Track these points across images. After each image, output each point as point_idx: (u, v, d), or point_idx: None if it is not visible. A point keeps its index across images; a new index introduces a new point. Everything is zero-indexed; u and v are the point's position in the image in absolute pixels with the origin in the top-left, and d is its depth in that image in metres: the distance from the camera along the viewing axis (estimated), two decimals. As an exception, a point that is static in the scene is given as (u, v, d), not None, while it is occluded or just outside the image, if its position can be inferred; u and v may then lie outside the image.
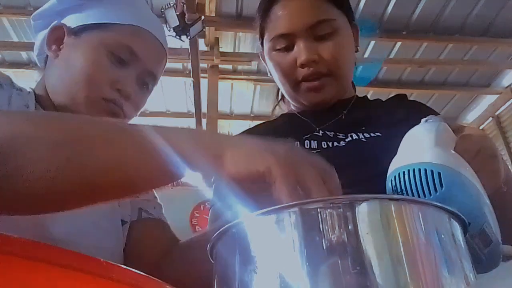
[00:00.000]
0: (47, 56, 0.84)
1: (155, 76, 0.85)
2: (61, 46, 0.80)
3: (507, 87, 4.25)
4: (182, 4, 2.93)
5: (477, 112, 4.60)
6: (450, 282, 0.34)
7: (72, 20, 0.81)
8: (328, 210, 0.35)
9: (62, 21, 0.82)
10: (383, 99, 0.96)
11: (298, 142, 0.80)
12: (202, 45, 3.59)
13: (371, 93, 3.99)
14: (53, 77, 0.80)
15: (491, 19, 3.49)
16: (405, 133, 0.55)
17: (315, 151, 0.78)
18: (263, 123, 0.98)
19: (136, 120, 0.87)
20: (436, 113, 0.87)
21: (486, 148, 0.52)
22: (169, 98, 4.28)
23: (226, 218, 0.76)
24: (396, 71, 4.05)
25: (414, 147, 0.51)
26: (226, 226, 0.39)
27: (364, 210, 0.35)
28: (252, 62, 3.76)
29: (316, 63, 0.81)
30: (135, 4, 0.85)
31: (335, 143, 0.79)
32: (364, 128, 0.82)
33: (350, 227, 0.34)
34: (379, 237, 0.34)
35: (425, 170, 0.46)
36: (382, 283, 0.32)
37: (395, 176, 0.49)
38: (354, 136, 0.80)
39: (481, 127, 4.68)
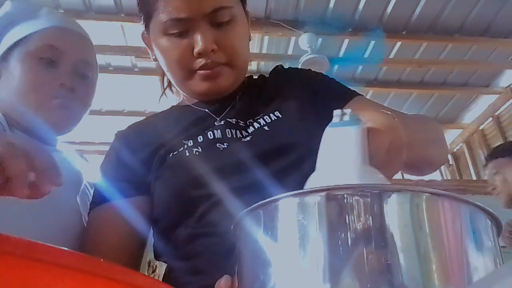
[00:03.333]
0: None
1: (89, 63, 0.97)
2: None
3: (506, 87, 4.25)
4: (181, 4, 2.92)
5: (476, 112, 4.59)
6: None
7: None
8: (355, 197, 0.35)
9: None
10: (266, 75, 0.94)
11: (201, 136, 0.78)
12: (201, 45, 3.58)
13: (371, 93, 3.99)
14: (2, 95, 0.91)
15: (491, 19, 3.49)
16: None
17: (223, 144, 0.76)
18: (154, 115, 0.94)
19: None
20: (320, 77, 0.88)
21: (394, 143, 0.53)
22: (169, 98, 4.28)
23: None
24: (395, 71, 4.05)
25: (337, 169, 0.47)
26: (252, 206, 0.39)
27: (393, 201, 0.35)
28: (251, 62, 3.76)
29: (214, 53, 0.77)
30: (40, 12, 0.96)
31: (239, 134, 0.78)
32: (262, 108, 0.81)
33: (377, 217, 0.34)
34: (408, 229, 0.34)
35: None
36: (407, 273, 0.32)
37: None
38: (256, 125, 0.78)
39: (481, 127, 4.68)
